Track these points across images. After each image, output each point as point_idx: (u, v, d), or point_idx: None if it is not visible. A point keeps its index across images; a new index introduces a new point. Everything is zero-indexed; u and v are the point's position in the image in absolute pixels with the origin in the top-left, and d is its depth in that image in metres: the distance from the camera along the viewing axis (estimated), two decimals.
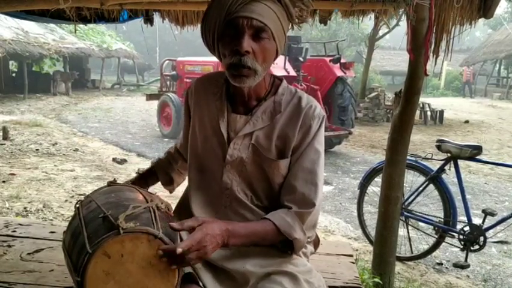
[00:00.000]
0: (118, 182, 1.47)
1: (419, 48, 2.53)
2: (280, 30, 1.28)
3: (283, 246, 1.36)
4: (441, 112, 13.43)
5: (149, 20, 2.89)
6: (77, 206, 1.32)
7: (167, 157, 1.73)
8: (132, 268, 1.13)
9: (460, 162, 3.60)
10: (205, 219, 1.25)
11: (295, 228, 1.32)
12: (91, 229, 1.17)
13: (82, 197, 1.38)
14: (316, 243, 1.59)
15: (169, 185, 1.73)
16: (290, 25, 1.37)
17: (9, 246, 2.05)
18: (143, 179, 1.66)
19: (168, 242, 1.15)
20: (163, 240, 1.14)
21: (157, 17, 2.90)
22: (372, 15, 2.80)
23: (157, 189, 1.75)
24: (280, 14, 1.27)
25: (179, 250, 1.10)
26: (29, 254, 1.97)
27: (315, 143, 1.37)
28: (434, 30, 2.52)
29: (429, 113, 13.30)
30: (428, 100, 15.36)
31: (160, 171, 1.70)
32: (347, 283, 1.76)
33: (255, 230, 1.30)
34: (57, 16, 2.73)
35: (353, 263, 1.99)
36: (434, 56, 2.59)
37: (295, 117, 1.37)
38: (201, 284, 1.29)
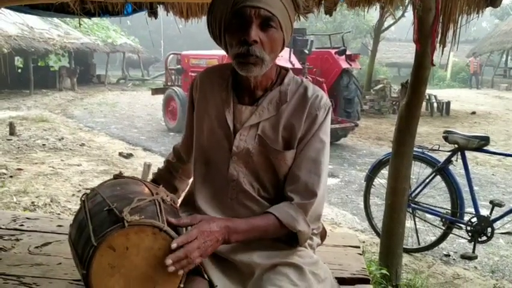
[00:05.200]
0: (124, 174, 1.47)
1: (425, 38, 2.51)
2: (287, 20, 1.27)
3: (288, 239, 1.36)
4: (448, 103, 13.36)
5: (153, 13, 2.88)
6: (83, 199, 1.32)
7: (167, 166, 1.72)
8: (137, 261, 1.13)
9: (467, 154, 3.58)
10: (203, 217, 1.26)
11: (299, 221, 1.31)
12: (96, 222, 1.17)
13: (89, 191, 1.38)
14: (323, 235, 1.59)
15: (174, 193, 1.72)
16: (296, 16, 1.36)
17: (17, 239, 2.06)
18: None
19: (173, 235, 1.15)
20: (168, 232, 1.14)
21: (161, 10, 2.89)
22: (378, 6, 2.77)
23: None
24: (287, 4, 1.26)
25: (173, 245, 1.12)
26: (37, 247, 1.98)
27: (320, 133, 1.36)
28: (441, 20, 2.50)
29: (435, 105, 13.23)
30: (435, 91, 15.29)
31: (163, 183, 1.69)
32: (354, 274, 1.75)
33: (256, 225, 1.29)
34: (62, 10, 2.73)
35: (360, 254, 1.98)
36: (441, 46, 2.56)
37: (301, 107, 1.36)
38: (206, 276, 1.28)
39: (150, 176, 4.29)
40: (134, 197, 1.19)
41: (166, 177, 1.71)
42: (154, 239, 1.13)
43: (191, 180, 1.59)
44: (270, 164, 1.38)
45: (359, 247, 2.05)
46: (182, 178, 1.72)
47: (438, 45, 2.55)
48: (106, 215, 1.16)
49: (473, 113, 13.56)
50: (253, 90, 1.38)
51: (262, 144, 1.37)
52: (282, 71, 1.43)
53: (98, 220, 1.17)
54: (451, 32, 2.54)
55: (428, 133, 9.98)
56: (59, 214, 4.17)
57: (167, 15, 2.91)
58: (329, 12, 2.74)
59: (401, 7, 2.81)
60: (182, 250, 1.12)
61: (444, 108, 13.24)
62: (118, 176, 1.44)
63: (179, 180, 1.72)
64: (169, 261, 1.10)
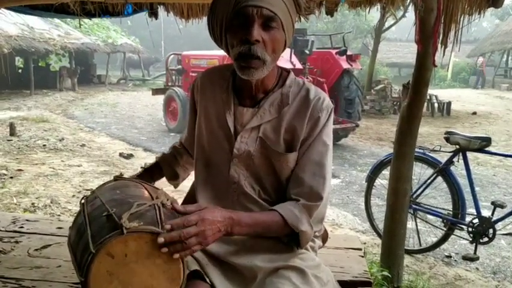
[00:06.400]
0: (124, 176, 1.45)
1: (427, 38, 2.50)
2: (289, 21, 1.27)
3: (290, 239, 1.35)
4: (449, 104, 13.33)
5: (153, 14, 2.86)
6: (82, 202, 1.30)
7: (173, 152, 1.70)
8: (136, 268, 1.11)
9: (468, 154, 3.56)
10: (209, 205, 1.23)
11: (303, 221, 1.30)
12: (95, 228, 1.15)
13: (89, 192, 1.36)
14: (324, 237, 1.58)
15: (174, 179, 1.71)
16: (298, 16, 1.35)
17: (16, 242, 2.05)
18: (148, 174, 1.64)
19: None
20: None
21: (161, 11, 2.87)
22: (379, 6, 2.76)
23: (163, 184, 1.73)
24: (289, 5, 1.26)
25: (167, 226, 1.09)
26: (36, 250, 1.97)
27: (323, 136, 1.35)
28: (443, 21, 2.49)
29: (436, 105, 13.20)
30: (435, 92, 15.24)
31: (165, 166, 1.68)
32: (356, 277, 1.74)
33: (260, 220, 1.28)
34: (62, 11, 2.72)
35: (362, 256, 1.97)
36: (443, 46, 2.55)
37: (303, 110, 1.35)
38: (207, 280, 1.27)
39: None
40: (134, 202, 1.17)
41: (170, 160, 1.69)
42: (154, 246, 1.10)
43: (192, 175, 1.57)
44: (272, 166, 1.37)
45: (360, 249, 2.04)
46: (185, 166, 1.70)
47: (440, 45, 2.54)
48: (105, 221, 1.14)
49: (474, 113, 13.53)
50: (254, 92, 1.37)
51: (263, 146, 1.36)
52: (284, 73, 1.42)
53: (97, 226, 1.15)
54: (452, 33, 2.53)
55: (429, 133, 9.96)
56: (59, 215, 4.15)
57: (167, 15, 2.89)
58: (330, 12, 2.73)
59: (401, 7, 2.78)
60: (177, 232, 1.10)
61: (445, 109, 13.21)
62: (118, 178, 1.43)
63: (182, 167, 1.69)
64: (161, 239, 1.07)
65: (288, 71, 1.43)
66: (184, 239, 1.10)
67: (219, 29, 1.29)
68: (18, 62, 18.14)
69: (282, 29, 1.25)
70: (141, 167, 1.66)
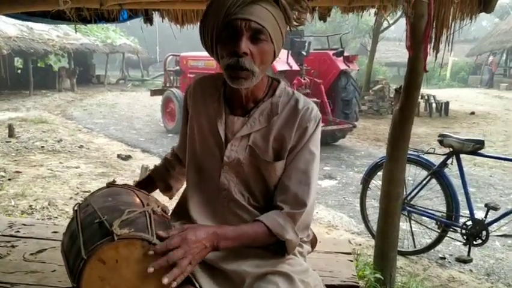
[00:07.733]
0: (117, 183, 1.48)
1: (418, 44, 2.52)
2: (277, 33, 1.29)
3: (276, 247, 1.37)
4: (447, 104, 13.33)
5: (148, 20, 2.89)
6: (75, 209, 1.34)
7: (165, 164, 1.74)
8: (127, 274, 1.14)
9: (465, 155, 3.59)
10: (190, 225, 1.27)
11: (287, 229, 1.33)
12: (87, 234, 1.18)
13: (87, 194, 1.39)
14: (313, 242, 1.61)
15: (168, 191, 1.75)
16: (288, 27, 1.38)
17: (12, 246, 2.08)
18: (142, 187, 1.67)
19: None
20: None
21: (156, 17, 2.90)
22: (372, 11, 2.79)
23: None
24: (278, 17, 1.28)
25: (150, 252, 1.12)
26: (32, 254, 2.00)
27: (310, 145, 1.38)
28: (434, 26, 2.51)
29: (434, 105, 13.21)
30: (434, 91, 15.25)
31: (158, 179, 1.72)
32: (344, 281, 1.77)
33: (245, 232, 1.31)
34: (58, 17, 2.74)
35: (351, 261, 2.00)
36: (434, 51, 2.57)
37: (292, 119, 1.38)
38: (197, 285, 1.30)
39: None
40: (125, 209, 1.21)
41: (162, 173, 1.73)
42: (144, 252, 1.14)
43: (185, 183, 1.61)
44: (260, 174, 1.40)
45: (350, 253, 2.07)
46: (178, 177, 1.73)
47: (431, 50, 2.56)
48: (97, 228, 1.17)
49: (472, 113, 13.51)
50: (245, 102, 1.41)
51: (252, 155, 1.39)
52: (274, 83, 1.45)
53: (89, 232, 1.18)
54: (444, 37, 2.55)
55: (426, 134, 9.98)
56: (56, 217, 4.18)
57: (162, 21, 2.92)
58: (323, 18, 2.76)
59: (394, 12, 2.81)
60: (165, 258, 1.13)
61: (443, 109, 13.22)
62: (111, 185, 1.46)
63: (175, 179, 1.73)
64: (150, 269, 1.10)
65: (278, 81, 1.46)
66: (172, 263, 1.13)
67: (209, 39, 1.32)
68: (18, 62, 18.21)
69: (270, 41, 1.28)
70: (134, 181, 1.70)
